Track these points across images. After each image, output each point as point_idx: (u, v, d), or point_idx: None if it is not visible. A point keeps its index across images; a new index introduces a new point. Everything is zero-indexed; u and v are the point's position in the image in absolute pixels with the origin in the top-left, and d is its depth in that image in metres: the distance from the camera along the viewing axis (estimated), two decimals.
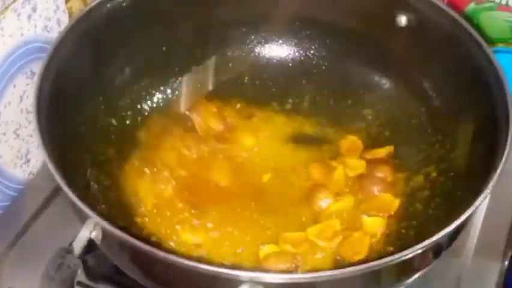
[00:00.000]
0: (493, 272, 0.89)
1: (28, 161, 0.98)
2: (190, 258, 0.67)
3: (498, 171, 0.74)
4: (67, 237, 0.81)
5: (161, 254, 0.67)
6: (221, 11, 0.99)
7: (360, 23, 0.97)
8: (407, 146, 0.95)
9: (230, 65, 1.02)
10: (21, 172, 0.98)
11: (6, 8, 0.88)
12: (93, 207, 0.70)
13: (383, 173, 0.92)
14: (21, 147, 0.96)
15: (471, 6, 1.06)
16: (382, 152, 0.94)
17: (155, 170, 0.92)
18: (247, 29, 1.02)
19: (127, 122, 0.96)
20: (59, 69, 0.83)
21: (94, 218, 0.69)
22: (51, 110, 0.80)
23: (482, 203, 0.73)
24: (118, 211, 0.87)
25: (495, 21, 1.05)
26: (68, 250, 0.68)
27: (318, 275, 0.67)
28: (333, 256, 0.85)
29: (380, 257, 0.68)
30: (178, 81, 1.01)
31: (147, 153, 0.94)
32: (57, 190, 0.95)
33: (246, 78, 1.03)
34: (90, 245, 0.70)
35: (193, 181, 0.92)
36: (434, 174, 0.90)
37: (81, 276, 0.82)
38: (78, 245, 0.69)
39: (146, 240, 0.68)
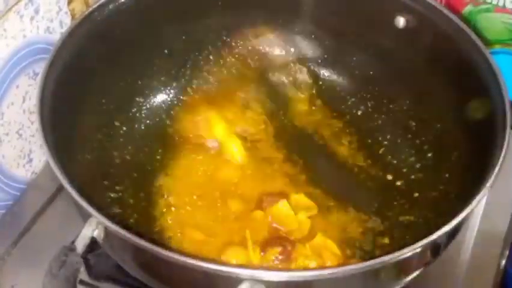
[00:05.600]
0: (491, 270, 0.90)
1: (31, 160, 0.99)
2: (191, 256, 0.68)
3: (496, 170, 0.74)
4: (69, 236, 0.81)
5: (162, 252, 0.67)
6: (223, 13, 1.00)
7: (359, 25, 0.97)
8: (405, 146, 0.96)
9: (231, 65, 1.03)
10: (24, 172, 0.98)
11: (9, 10, 0.88)
12: (95, 206, 0.71)
13: None
14: (24, 147, 0.97)
15: (468, 8, 1.07)
16: None
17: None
18: (248, 29, 1.02)
19: (129, 122, 0.97)
20: (62, 70, 0.84)
21: (96, 216, 0.70)
22: (54, 110, 0.80)
23: (480, 202, 0.74)
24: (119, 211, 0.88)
25: (492, 22, 1.06)
26: (71, 248, 0.69)
27: (318, 273, 0.68)
28: None
29: (380, 256, 0.68)
30: (182, 81, 1.02)
31: None
32: (59, 190, 0.96)
33: (247, 78, 1.04)
34: (92, 244, 0.71)
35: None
36: (432, 174, 0.91)
37: (83, 275, 0.82)
38: (81, 243, 0.69)
39: (148, 238, 0.68)
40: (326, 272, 0.68)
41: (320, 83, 1.03)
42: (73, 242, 0.70)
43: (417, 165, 0.93)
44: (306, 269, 0.81)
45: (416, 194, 0.91)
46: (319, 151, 0.98)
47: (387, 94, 0.99)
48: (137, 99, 0.98)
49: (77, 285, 0.69)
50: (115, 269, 0.84)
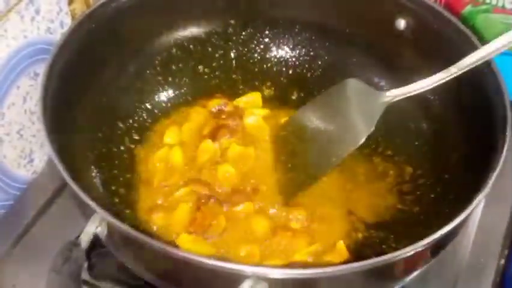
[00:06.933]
0: (490, 271, 0.90)
1: (32, 160, 0.99)
2: (194, 253, 0.68)
3: (496, 171, 0.75)
4: (70, 235, 0.82)
5: (165, 248, 0.67)
6: (224, 13, 1.00)
7: (359, 27, 0.98)
8: (405, 148, 0.96)
9: (232, 65, 1.04)
10: (25, 172, 0.98)
11: (10, 10, 0.89)
12: (98, 202, 0.71)
13: None
14: (25, 147, 0.97)
15: (467, 8, 1.07)
16: None
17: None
18: (249, 31, 1.03)
19: (130, 121, 0.97)
20: (63, 70, 0.84)
21: (100, 212, 0.70)
22: (56, 110, 0.81)
23: (479, 203, 0.74)
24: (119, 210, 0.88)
25: (491, 23, 1.05)
26: (76, 243, 0.69)
27: (320, 271, 0.68)
28: None
29: (380, 255, 0.68)
30: (182, 81, 1.02)
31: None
32: (60, 189, 0.96)
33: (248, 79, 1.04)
34: (95, 241, 0.71)
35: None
36: (431, 175, 0.91)
37: (85, 274, 0.82)
38: (85, 239, 0.69)
39: (150, 235, 0.68)
40: (327, 270, 0.68)
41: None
42: (77, 238, 0.70)
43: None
44: (308, 266, 0.82)
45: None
46: None
47: None
48: (137, 99, 0.99)
49: (80, 282, 0.69)
50: (116, 269, 0.85)
